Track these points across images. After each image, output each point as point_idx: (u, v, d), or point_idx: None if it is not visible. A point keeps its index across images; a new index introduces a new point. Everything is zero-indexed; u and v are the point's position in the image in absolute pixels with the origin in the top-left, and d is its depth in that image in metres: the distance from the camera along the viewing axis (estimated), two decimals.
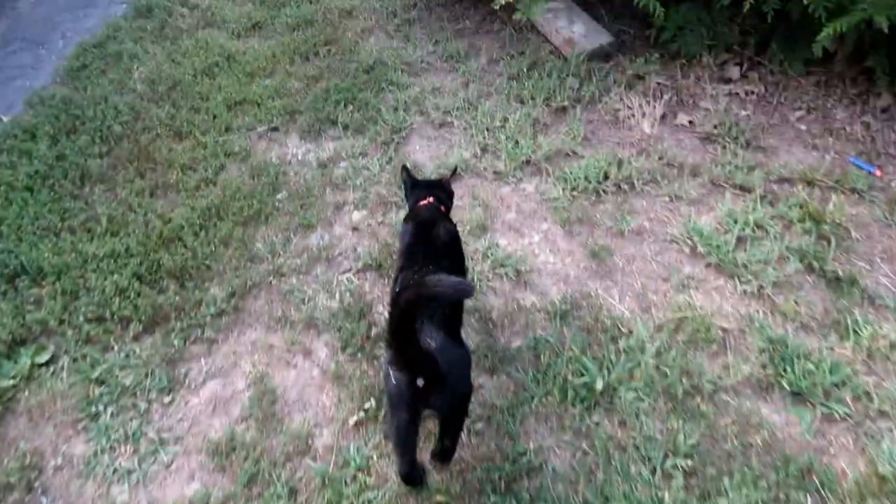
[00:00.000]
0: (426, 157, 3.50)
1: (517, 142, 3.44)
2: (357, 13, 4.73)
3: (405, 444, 1.92)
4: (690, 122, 3.38)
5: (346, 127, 3.77)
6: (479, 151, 3.45)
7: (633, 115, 3.45)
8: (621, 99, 3.55)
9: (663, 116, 3.43)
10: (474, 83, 3.90)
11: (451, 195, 2.51)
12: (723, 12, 3.68)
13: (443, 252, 2.18)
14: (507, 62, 4.00)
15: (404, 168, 2.55)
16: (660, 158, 3.21)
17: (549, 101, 3.64)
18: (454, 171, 2.73)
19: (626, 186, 3.11)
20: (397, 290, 2.03)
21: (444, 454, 2.08)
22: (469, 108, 3.71)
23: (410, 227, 2.31)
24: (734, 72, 3.55)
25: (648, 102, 3.48)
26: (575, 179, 3.15)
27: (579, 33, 3.95)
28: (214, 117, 3.93)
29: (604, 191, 3.10)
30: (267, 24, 4.74)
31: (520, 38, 4.16)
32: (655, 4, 3.39)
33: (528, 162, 3.33)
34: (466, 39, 4.31)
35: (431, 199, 2.39)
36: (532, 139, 3.43)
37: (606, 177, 3.14)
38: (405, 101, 3.83)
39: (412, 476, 2.00)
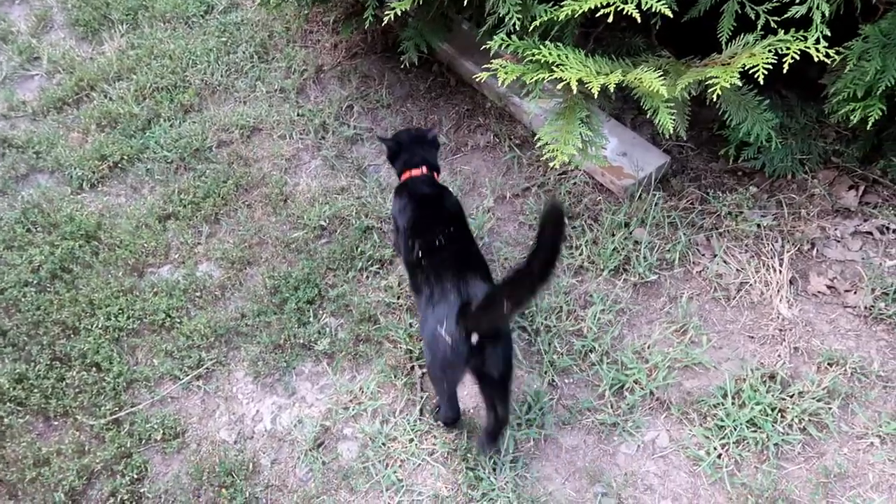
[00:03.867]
0: (474, 397, 2.26)
1: (607, 355, 2.30)
2: (267, 130, 3.28)
3: (453, 398, 2.05)
4: (830, 287, 2.44)
5: (329, 355, 2.41)
6: (554, 379, 2.27)
7: (751, 284, 2.44)
8: (720, 257, 2.52)
9: (790, 281, 2.45)
10: (495, 246, 2.69)
11: (437, 147, 2.48)
12: (808, 113, 2.76)
13: (453, 223, 2.16)
14: (529, 204, 2.81)
15: (379, 138, 2.52)
16: (830, 364, 2.23)
17: (622, 271, 2.53)
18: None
19: (811, 426, 2.09)
20: (418, 255, 2.06)
21: (498, 426, 2.00)
22: None
23: (409, 202, 2.26)
24: (850, 198, 2.65)
25: (763, 262, 2.48)
26: (734, 424, 2.08)
27: (615, 149, 2.86)
28: (97, 368, 2.38)
29: (785, 441, 2.06)
30: (132, 161, 3.16)
31: (528, 159, 2.98)
32: (768, 131, 2.37)
33: (641, 393, 2.20)
34: (445, 164, 3.05)
35: (425, 170, 2.33)
36: (630, 349, 2.31)
37: (783, 415, 2.10)
38: (406, 290, 2.53)
39: (457, 418, 2.10)
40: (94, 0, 4.04)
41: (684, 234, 2.58)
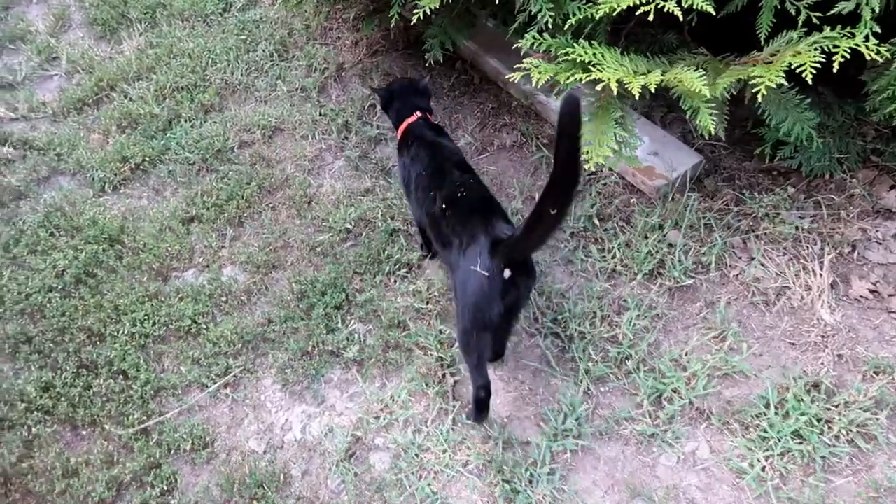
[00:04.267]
0: (508, 406, 2.21)
1: (644, 362, 2.24)
2: (289, 130, 3.23)
3: (482, 362, 2.00)
4: (873, 291, 2.36)
5: (358, 362, 2.36)
6: (590, 387, 2.21)
7: (791, 289, 2.37)
8: (758, 260, 2.45)
9: (832, 285, 2.38)
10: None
11: (429, 95, 2.60)
12: (846, 111, 2.68)
13: (461, 167, 2.27)
14: None
15: (372, 88, 2.85)
16: (876, 372, 2.16)
17: (656, 274, 2.46)
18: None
19: (859, 438, 2.02)
20: (441, 207, 2.11)
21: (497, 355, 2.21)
22: (536, 299, 2.44)
23: (417, 150, 2.35)
24: (891, 198, 2.57)
25: (803, 265, 2.41)
26: (778, 436, 2.02)
27: (646, 149, 2.79)
28: (124, 376, 2.35)
29: (833, 453, 2.00)
30: (154, 163, 3.12)
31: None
32: (809, 131, 2.30)
33: (680, 402, 2.14)
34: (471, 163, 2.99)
35: (418, 114, 2.46)
36: (668, 356, 2.25)
37: (829, 426, 2.04)
38: (436, 295, 2.48)
39: (488, 387, 2.04)
40: None
41: (720, 236, 2.51)
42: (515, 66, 2.17)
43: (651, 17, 1.90)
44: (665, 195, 2.67)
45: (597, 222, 2.63)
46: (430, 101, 2.61)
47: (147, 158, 3.11)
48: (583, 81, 2.03)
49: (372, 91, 2.69)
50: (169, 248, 2.73)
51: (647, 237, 2.54)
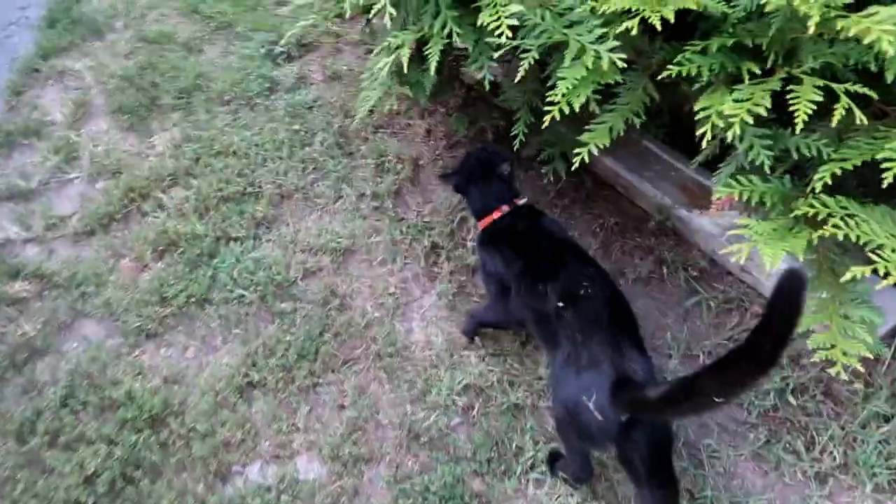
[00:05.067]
0: None
1: None
2: (363, 252, 2.63)
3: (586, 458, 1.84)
4: None
5: None
6: None
7: None
8: None
9: None
10: (705, 444, 1.99)
11: (512, 176, 2.17)
12: None
13: (577, 253, 1.96)
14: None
15: (442, 179, 2.34)
16: None
17: (893, 484, 1.81)
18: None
19: None
20: (556, 305, 1.78)
21: None
22: None
23: (512, 244, 2.01)
24: None
25: None
26: None
27: None
28: None
29: None
30: (200, 304, 2.51)
31: (718, 301, 2.27)
32: None
33: None
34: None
35: (506, 208, 2.09)
36: None
37: None
38: None
39: (589, 479, 1.88)
40: (140, 80, 3.43)
41: None
42: (731, 234, 1.54)
43: None
44: (877, 356, 2.02)
45: (791, 400, 1.99)
46: (514, 179, 2.23)
47: (192, 298, 2.51)
48: (855, 276, 1.39)
49: (441, 180, 2.35)
50: (227, 433, 2.11)
51: (866, 427, 1.89)
